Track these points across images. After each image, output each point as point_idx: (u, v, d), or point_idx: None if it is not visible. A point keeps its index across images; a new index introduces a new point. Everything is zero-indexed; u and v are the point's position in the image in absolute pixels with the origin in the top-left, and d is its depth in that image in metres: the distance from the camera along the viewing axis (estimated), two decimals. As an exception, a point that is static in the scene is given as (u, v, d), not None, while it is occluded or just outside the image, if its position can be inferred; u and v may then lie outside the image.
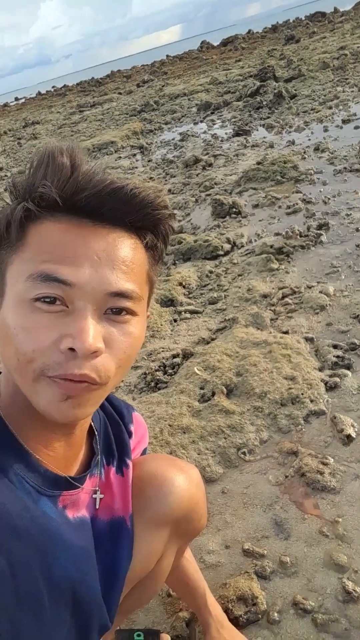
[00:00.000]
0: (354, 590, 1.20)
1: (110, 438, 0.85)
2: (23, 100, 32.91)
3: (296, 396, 1.82)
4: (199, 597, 1.14)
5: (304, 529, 1.39)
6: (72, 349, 0.57)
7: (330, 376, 1.91)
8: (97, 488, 0.78)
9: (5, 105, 30.51)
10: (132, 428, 0.90)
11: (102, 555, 0.75)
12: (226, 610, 1.20)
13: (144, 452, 0.98)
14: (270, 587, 1.27)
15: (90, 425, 0.80)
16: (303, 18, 22.91)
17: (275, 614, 1.20)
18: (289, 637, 1.16)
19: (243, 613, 1.20)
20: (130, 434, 0.89)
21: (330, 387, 1.87)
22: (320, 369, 1.98)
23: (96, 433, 0.81)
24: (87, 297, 0.59)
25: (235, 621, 1.19)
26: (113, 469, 0.83)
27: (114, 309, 0.62)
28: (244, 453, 1.67)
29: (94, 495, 0.77)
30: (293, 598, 1.22)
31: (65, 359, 0.58)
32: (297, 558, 1.32)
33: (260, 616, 1.21)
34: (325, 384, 1.88)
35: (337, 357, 2.00)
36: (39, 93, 30.65)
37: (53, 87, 33.01)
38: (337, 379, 1.89)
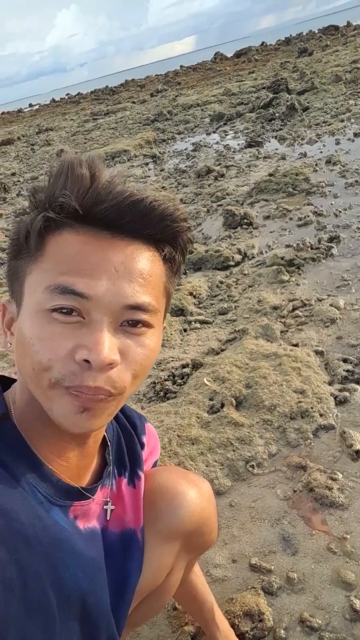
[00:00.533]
0: (362, 610, 1.18)
1: (123, 449, 0.85)
2: (37, 106, 33.31)
3: (305, 410, 1.81)
4: (206, 611, 1.13)
5: (311, 545, 1.38)
6: (87, 361, 0.57)
7: (340, 390, 1.90)
8: (108, 499, 0.78)
9: (20, 111, 30.87)
10: (144, 439, 0.90)
11: (112, 567, 0.74)
12: (232, 626, 1.19)
13: (155, 464, 0.97)
14: (277, 603, 1.26)
15: (103, 436, 0.80)
16: (316, 31, 23.09)
17: (282, 631, 1.18)
18: (295, 655, 1.14)
19: (249, 629, 1.19)
20: (142, 446, 0.89)
21: (340, 402, 1.86)
22: (330, 383, 1.97)
23: (109, 444, 0.81)
24: (103, 309, 0.59)
25: (241, 637, 1.17)
26: (125, 480, 0.82)
27: (130, 321, 0.62)
28: (252, 466, 1.66)
29: (105, 507, 0.77)
30: (300, 615, 1.21)
31: (80, 370, 0.58)
32: (304, 574, 1.30)
33: (266, 633, 1.19)
34: (335, 398, 1.87)
35: (347, 371, 1.99)
36: (53, 100, 31.00)
37: (67, 94, 33.36)
38: (347, 394, 1.87)
